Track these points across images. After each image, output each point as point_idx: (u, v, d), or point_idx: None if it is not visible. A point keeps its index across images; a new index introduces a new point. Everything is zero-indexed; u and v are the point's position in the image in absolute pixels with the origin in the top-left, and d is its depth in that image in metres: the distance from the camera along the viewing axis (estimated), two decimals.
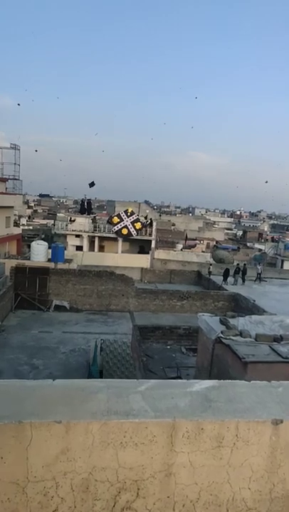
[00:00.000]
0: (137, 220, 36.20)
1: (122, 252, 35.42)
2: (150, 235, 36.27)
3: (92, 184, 41.02)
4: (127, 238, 35.90)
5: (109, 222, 36.57)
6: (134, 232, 35.67)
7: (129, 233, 35.70)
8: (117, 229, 35.53)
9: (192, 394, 1.70)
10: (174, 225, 68.84)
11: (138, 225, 35.81)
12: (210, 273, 30.16)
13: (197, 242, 53.62)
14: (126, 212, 36.13)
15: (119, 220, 35.80)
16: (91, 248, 36.44)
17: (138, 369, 8.95)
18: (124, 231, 35.51)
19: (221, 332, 5.93)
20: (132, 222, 35.72)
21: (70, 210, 66.27)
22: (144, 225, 36.89)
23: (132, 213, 36.24)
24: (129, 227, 35.60)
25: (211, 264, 32.45)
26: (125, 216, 35.83)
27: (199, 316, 6.97)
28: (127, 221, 35.61)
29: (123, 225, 35.53)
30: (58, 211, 69.79)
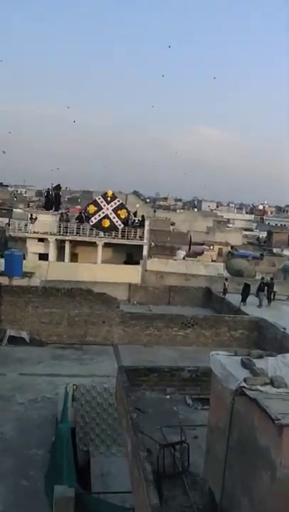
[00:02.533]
0: (122, 207, 36.31)
1: (103, 261, 35.40)
2: (141, 237, 36.37)
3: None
4: (111, 244, 35.82)
5: (84, 214, 36.51)
6: (119, 223, 35.72)
7: (113, 225, 35.72)
8: (95, 221, 35.56)
9: None
10: (173, 224, 69.10)
11: (123, 213, 35.90)
12: (225, 291, 30.09)
13: (205, 247, 53.76)
14: (105, 197, 36.18)
15: (96, 208, 35.81)
16: (60, 257, 36.26)
17: (125, 430, 8.68)
18: (106, 223, 35.49)
19: (244, 380, 5.70)
20: (115, 210, 35.77)
21: (31, 204, 66.03)
22: (130, 214, 36.90)
23: (113, 197, 36.40)
24: (111, 216, 35.63)
25: (226, 279, 32.42)
26: (104, 202, 35.86)
27: (212, 355, 6.74)
28: (108, 209, 35.63)
29: (103, 215, 35.57)
30: (14, 206, 69.53)
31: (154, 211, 73.74)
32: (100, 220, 35.39)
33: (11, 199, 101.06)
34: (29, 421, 14.89)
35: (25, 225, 36.89)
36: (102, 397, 14.20)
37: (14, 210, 58.47)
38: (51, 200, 40.98)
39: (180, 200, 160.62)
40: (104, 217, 35.40)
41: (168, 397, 10.21)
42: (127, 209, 36.99)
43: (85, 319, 22.64)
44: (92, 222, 35.63)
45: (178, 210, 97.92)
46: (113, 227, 35.55)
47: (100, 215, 35.46)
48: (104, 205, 35.64)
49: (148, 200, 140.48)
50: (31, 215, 37.57)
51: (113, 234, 36.03)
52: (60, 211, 39.72)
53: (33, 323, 22.35)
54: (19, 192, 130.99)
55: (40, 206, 46.08)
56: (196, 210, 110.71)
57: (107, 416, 13.84)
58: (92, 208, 35.88)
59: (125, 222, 36.04)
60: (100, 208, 35.56)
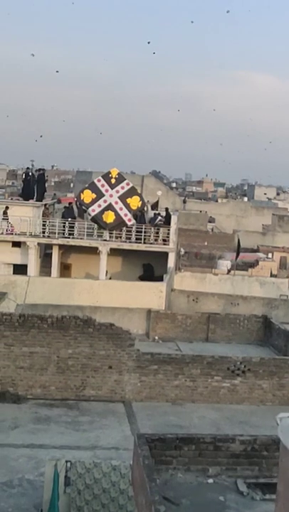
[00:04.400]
0: (132, 192, 36.20)
1: (110, 275, 35.45)
2: (165, 241, 36.53)
3: None
4: (121, 250, 35.99)
5: (77, 204, 36.59)
6: (129, 216, 35.64)
7: (119, 220, 35.66)
8: (93, 213, 35.43)
9: None
10: (212, 220, 69.16)
11: (135, 202, 35.70)
12: None
13: (261, 255, 53.67)
14: (107, 178, 36.10)
15: (95, 195, 35.67)
16: (44, 269, 36.38)
17: None
18: (109, 216, 35.39)
19: None
20: (123, 197, 35.65)
21: (0, 190, 66.82)
22: (145, 204, 36.89)
23: (120, 179, 36.33)
24: (116, 206, 35.47)
25: None
26: (107, 186, 35.77)
27: (280, 419, 6.72)
28: (112, 195, 35.54)
29: (105, 205, 35.44)
30: None
31: (184, 201, 74.05)
32: (101, 212, 35.40)
33: None
34: None
35: None
36: (109, 479, 14.15)
37: None
38: (31, 185, 41.30)
39: (222, 184, 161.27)
40: (106, 208, 35.38)
41: (211, 481, 10.18)
42: (140, 196, 37.05)
43: (83, 363, 22.65)
44: (89, 215, 35.73)
45: (219, 200, 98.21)
46: (120, 222, 35.63)
47: (99, 205, 35.46)
48: (107, 191, 35.67)
49: (174, 185, 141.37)
50: (6, 207, 37.81)
51: (123, 236, 36.16)
52: (44, 201, 40.04)
53: (5, 369, 22.34)
54: None
55: (15, 194, 46.70)
56: (246, 199, 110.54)
57: (117, 509, 13.80)
58: (88, 195, 35.86)
59: (138, 215, 36.11)
60: (100, 195, 35.55)
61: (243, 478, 10.24)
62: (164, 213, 38.52)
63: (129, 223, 35.74)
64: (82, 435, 19.54)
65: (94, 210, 35.42)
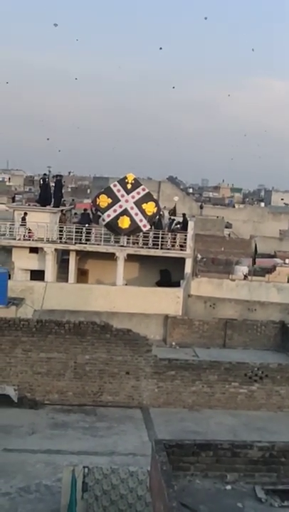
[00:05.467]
0: (148, 198, 36.31)
1: (126, 281, 35.54)
2: (182, 246, 36.56)
3: None
4: (138, 256, 36.05)
5: (92, 209, 36.70)
6: (144, 222, 35.75)
7: (135, 225, 35.72)
8: (108, 218, 35.58)
9: None
10: (229, 226, 69.05)
11: (150, 208, 35.79)
12: None
13: (278, 261, 53.47)
14: (123, 183, 36.23)
15: (111, 200, 35.84)
16: (61, 275, 36.49)
17: None
18: (125, 221, 35.59)
19: None
20: (138, 203, 35.78)
21: (18, 197, 67.13)
22: (160, 209, 36.93)
23: (136, 184, 36.50)
24: (132, 212, 35.63)
25: None
26: (123, 191, 35.96)
27: None
28: (128, 201, 35.69)
29: (121, 210, 35.59)
30: None
31: (201, 207, 73.92)
32: (116, 218, 35.50)
33: None
34: None
35: (11, 227, 37.42)
36: (126, 485, 14.17)
37: None
38: (48, 191, 41.48)
39: (239, 190, 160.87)
40: (121, 213, 35.51)
41: (228, 487, 10.10)
42: (156, 201, 37.13)
43: (100, 369, 22.69)
44: (103, 220, 35.81)
45: (236, 206, 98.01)
46: (135, 227, 35.67)
47: (115, 210, 35.59)
48: (123, 196, 35.84)
49: (191, 191, 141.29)
50: (24, 213, 37.97)
51: (140, 241, 36.20)
52: (61, 208, 40.17)
53: (23, 375, 22.43)
54: (0, 179, 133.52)
55: (33, 200, 46.81)
56: (263, 204, 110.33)
57: None
58: (104, 199, 36.03)
59: (153, 220, 36.13)
60: (115, 200, 35.73)
61: (261, 484, 10.15)
62: (180, 219, 38.53)
63: (144, 229, 35.80)
64: (99, 441, 19.56)
65: (109, 215, 35.55)
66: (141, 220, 35.55)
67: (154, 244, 36.07)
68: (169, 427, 20.67)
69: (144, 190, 36.48)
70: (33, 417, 21.30)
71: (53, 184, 41.72)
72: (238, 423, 21.36)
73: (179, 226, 37.78)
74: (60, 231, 36.46)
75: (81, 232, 36.38)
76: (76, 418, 21.39)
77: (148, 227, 35.85)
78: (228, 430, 20.52)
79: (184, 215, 39.46)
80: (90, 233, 36.51)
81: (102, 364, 22.71)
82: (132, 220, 35.46)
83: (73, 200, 60.17)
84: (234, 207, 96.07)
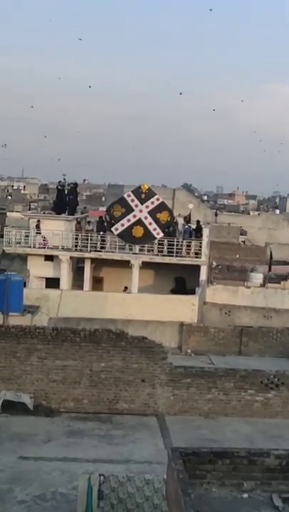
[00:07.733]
0: (162, 208, 36.39)
1: (141, 289, 35.63)
2: (197, 254, 36.48)
3: None
4: (153, 264, 36.05)
5: (106, 218, 36.79)
6: (158, 231, 35.80)
7: (148, 234, 35.89)
8: (121, 228, 35.68)
9: None
10: (244, 233, 68.84)
11: (164, 217, 35.85)
12: None
13: None
14: (138, 192, 36.35)
15: (124, 209, 35.98)
16: (77, 282, 36.53)
17: None
18: (138, 231, 35.67)
19: None
20: (153, 212, 35.87)
21: (33, 205, 67.36)
22: (174, 218, 37.00)
23: (151, 194, 36.68)
24: (146, 221, 35.71)
25: None
26: (137, 201, 36.09)
27: None
28: (142, 211, 35.80)
29: (135, 220, 35.68)
30: (9, 207, 71.10)
31: (216, 214, 73.79)
32: (130, 227, 35.58)
33: (4, 198, 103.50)
34: None
35: (26, 235, 37.57)
36: (142, 494, 14.11)
37: (9, 213, 59.73)
38: (64, 199, 41.60)
39: (254, 197, 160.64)
40: (135, 223, 35.60)
41: (245, 495, 10.03)
42: (170, 210, 37.18)
43: (116, 376, 22.61)
44: (116, 230, 35.89)
45: (251, 213, 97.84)
46: (149, 236, 35.71)
47: (129, 220, 35.69)
48: (137, 206, 35.93)
49: (206, 198, 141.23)
50: (38, 221, 38.13)
51: (155, 249, 36.20)
52: (76, 215, 40.29)
53: (38, 382, 22.41)
54: (16, 187, 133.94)
55: (48, 208, 46.95)
56: (278, 211, 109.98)
57: None
58: (117, 209, 36.20)
59: (167, 229, 36.17)
60: (129, 210, 35.85)
61: (279, 492, 10.06)
62: (194, 225, 38.57)
63: (157, 237, 35.83)
64: (115, 449, 19.48)
65: (123, 224, 35.65)
66: (155, 229, 35.67)
67: (168, 252, 36.08)
68: (185, 434, 20.57)
69: (158, 200, 36.60)
70: (48, 424, 21.27)
71: (67, 191, 41.86)
72: (255, 431, 21.23)
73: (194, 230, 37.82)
74: (76, 239, 36.55)
75: (96, 240, 36.50)
76: (92, 426, 21.32)
77: (161, 234, 35.87)
78: (244, 438, 20.40)
79: (197, 221, 39.41)
80: (104, 241, 36.59)
81: (118, 372, 22.65)
82: (146, 229, 35.58)
83: (85, 207, 60.20)
84: (249, 214, 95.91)
